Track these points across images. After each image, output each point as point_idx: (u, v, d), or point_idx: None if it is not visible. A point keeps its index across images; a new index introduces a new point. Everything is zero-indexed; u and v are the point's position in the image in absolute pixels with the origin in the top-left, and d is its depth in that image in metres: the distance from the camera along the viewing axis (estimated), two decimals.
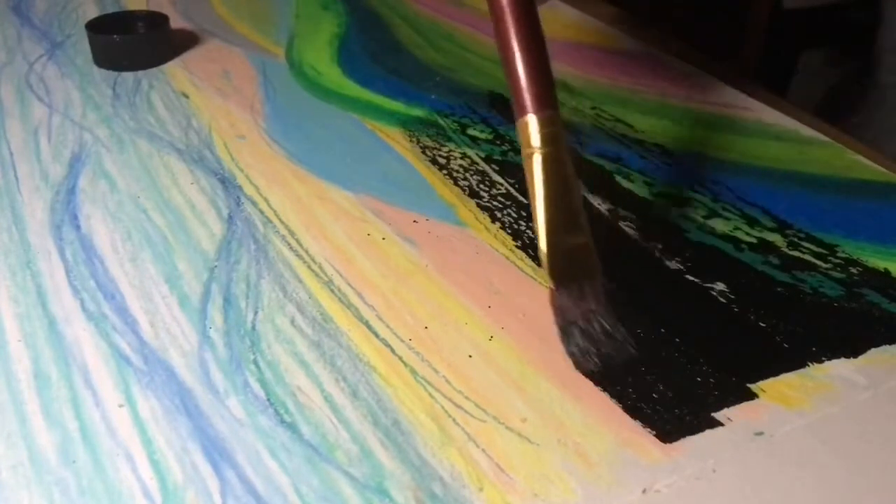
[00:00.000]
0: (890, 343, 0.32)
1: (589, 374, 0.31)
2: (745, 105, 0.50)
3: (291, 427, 0.29)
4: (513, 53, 0.33)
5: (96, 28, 0.54)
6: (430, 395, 0.30)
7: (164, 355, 0.31)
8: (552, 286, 0.32)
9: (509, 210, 0.40)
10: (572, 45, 0.58)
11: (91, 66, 0.54)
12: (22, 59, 0.54)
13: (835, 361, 0.32)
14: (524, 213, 0.40)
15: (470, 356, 0.32)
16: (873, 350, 0.32)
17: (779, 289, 0.35)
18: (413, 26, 0.60)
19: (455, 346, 0.32)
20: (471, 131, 0.47)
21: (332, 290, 0.35)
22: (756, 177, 0.43)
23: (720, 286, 0.35)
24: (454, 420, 0.29)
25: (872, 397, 0.30)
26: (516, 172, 0.43)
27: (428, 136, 0.46)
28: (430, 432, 0.29)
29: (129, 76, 0.52)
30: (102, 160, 0.44)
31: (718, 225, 0.39)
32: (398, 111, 0.49)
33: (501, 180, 0.42)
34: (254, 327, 0.33)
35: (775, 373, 0.31)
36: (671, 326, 0.33)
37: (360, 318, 0.33)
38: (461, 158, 0.44)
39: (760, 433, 0.29)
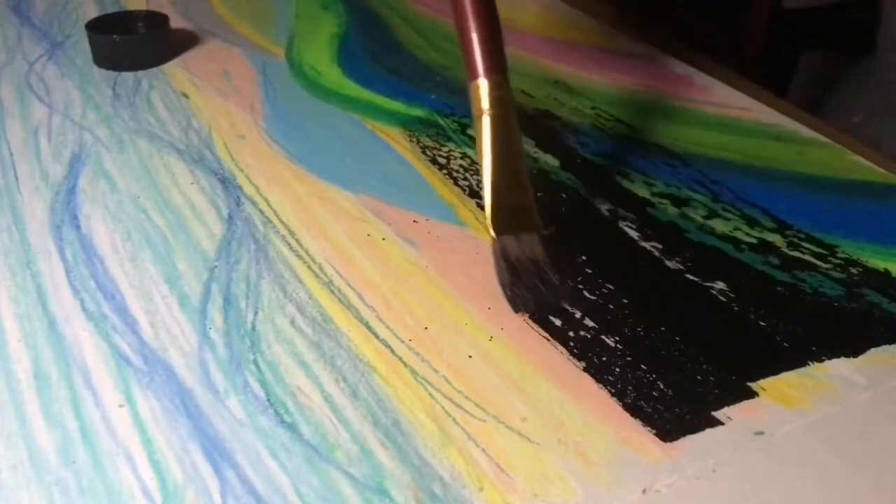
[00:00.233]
0: (890, 343, 0.32)
1: (524, 314, 0.34)
2: (744, 105, 0.50)
3: (291, 427, 0.29)
4: (468, 23, 0.36)
5: (96, 28, 0.54)
6: (430, 394, 0.30)
7: (164, 355, 0.31)
8: (493, 236, 0.34)
9: None
10: (572, 45, 0.58)
11: (91, 66, 0.54)
12: (22, 59, 0.54)
13: (835, 361, 0.32)
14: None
15: (470, 356, 0.32)
16: (873, 350, 0.32)
17: (779, 288, 0.35)
18: (413, 26, 0.60)
19: (455, 347, 0.32)
20: (471, 131, 0.47)
21: (332, 291, 0.35)
22: (756, 177, 0.43)
23: (720, 285, 0.35)
24: (454, 420, 0.29)
25: (872, 397, 0.30)
26: None
27: (428, 136, 0.46)
28: (430, 432, 0.29)
29: (129, 76, 0.52)
30: (102, 160, 0.44)
31: (718, 225, 0.39)
32: (398, 111, 0.49)
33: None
34: (254, 327, 0.33)
35: (775, 372, 0.31)
36: (671, 325, 0.33)
37: (360, 319, 0.33)
38: (461, 158, 0.44)
39: (760, 433, 0.29)
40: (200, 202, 0.40)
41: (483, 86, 0.36)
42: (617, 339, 0.32)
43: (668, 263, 0.37)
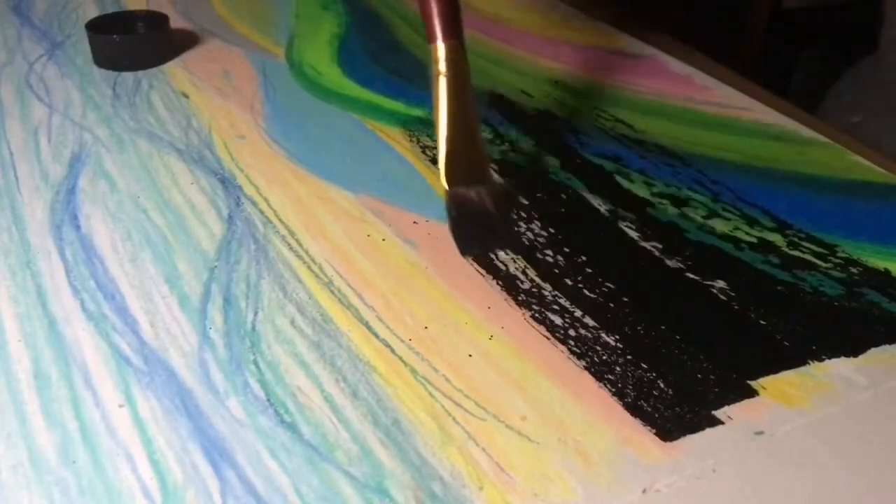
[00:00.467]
0: (890, 343, 0.32)
1: (472, 257, 0.36)
2: (744, 105, 0.50)
3: (291, 427, 0.29)
4: None
5: (96, 28, 0.54)
6: (430, 394, 0.30)
7: (164, 355, 0.31)
8: (447, 188, 0.37)
9: None
10: (573, 46, 0.58)
11: (91, 66, 0.54)
12: (22, 59, 0.54)
13: (835, 360, 0.32)
14: (524, 214, 0.40)
15: (470, 355, 0.32)
16: (873, 350, 0.32)
17: (779, 287, 0.35)
18: (413, 26, 0.60)
19: (455, 346, 0.32)
20: None
21: (332, 291, 0.35)
22: (756, 177, 0.43)
23: (720, 284, 0.35)
24: (454, 419, 0.29)
25: (872, 397, 0.30)
26: (516, 172, 0.43)
27: (428, 136, 0.46)
28: (430, 431, 0.29)
29: (129, 76, 0.52)
30: (102, 160, 0.44)
31: (718, 225, 0.39)
32: (398, 111, 0.49)
33: (501, 180, 0.42)
34: (254, 328, 0.33)
35: (775, 371, 0.31)
36: (671, 324, 0.33)
37: (360, 319, 0.33)
38: None
39: (761, 432, 0.29)
40: (200, 202, 0.40)
41: (441, 49, 0.39)
42: (617, 338, 0.32)
43: (668, 263, 0.37)
